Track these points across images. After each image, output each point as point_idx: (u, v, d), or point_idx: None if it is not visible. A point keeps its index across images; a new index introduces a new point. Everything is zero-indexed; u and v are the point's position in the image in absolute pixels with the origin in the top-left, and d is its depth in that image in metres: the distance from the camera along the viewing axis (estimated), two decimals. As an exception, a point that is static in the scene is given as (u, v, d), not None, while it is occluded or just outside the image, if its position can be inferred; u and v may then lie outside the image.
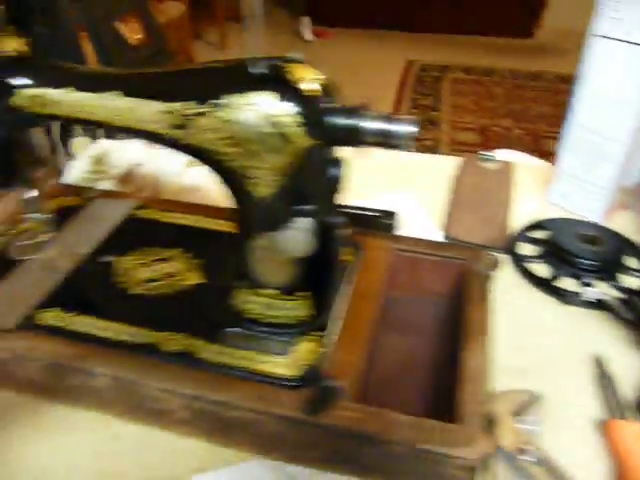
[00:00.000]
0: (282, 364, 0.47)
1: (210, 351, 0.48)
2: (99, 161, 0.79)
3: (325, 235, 0.44)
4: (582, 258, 0.66)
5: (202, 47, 3.99)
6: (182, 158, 0.80)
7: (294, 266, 0.46)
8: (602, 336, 0.59)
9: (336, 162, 0.43)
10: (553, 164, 0.81)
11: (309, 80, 0.40)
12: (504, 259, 0.69)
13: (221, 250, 0.60)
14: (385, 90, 3.44)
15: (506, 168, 0.83)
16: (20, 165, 0.53)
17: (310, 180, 0.42)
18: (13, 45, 0.47)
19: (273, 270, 0.47)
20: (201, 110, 0.40)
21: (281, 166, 0.41)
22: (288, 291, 0.48)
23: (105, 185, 0.78)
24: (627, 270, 0.66)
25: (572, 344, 0.58)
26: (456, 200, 0.79)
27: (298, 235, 0.40)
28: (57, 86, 0.45)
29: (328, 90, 0.42)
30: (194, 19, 3.78)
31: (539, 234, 0.73)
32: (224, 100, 0.39)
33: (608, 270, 0.66)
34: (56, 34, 2.32)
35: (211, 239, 0.62)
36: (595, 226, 0.71)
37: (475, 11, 4.17)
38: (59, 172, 0.60)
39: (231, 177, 0.42)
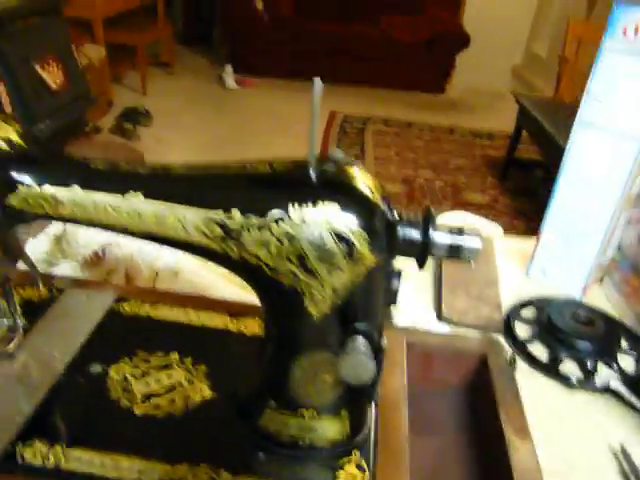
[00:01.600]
0: (328, 497, 0.41)
1: (242, 487, 0.41)
2: (60, 240, 0.69)
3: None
4: (581, 339, 0.66)
5: (122, 91, 3.85)
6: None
7: (338, 386, 0.42)
8: (616, 423, 0.59)
9: (396, 274, 0.39)
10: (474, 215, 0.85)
11: (372, 187, 0.37)
12: (500, 341, 0.68)
13: (225, 354, 0.54)
14: (311, 140, 3.49)
15: (487, 243, 0.84)
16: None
17: (369, 296, 0.38)
18: (3, 134, 0.39)
19: (315, 390, 0.41)
20: (256, 222, 0.35)
21: (343, 284, 0.36)
22: (327, 411, 0.43)
23: (68, 269, 0.69)
24: (621, 350, 0.68)
25: (589, 434, 0.58)
26: (445, 280, 0.77)
27: (361, 361, 0.36)
28: (61, 184, 0.38)
29: (387, 197, 0.38)
30: (114, 63, 3.65)
31: (529, 312, 0.73)
32: (285, 212, 0.35)
33: (606, 351, 0.66)
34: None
35: (210, 339, 0.55)
36: (584, 306, 0.73)
37: (393, 66, 4.41)
38: (33, 268, 0.51)
39: (283, 295, 0.37)
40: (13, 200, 0.38)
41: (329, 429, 0.43)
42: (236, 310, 0.59)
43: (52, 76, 2.37)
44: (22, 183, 0.38)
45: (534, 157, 3.45)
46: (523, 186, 3.16)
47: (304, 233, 0.35)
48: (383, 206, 0.37)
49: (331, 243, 0.35)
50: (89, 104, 2.80)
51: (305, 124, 3.71)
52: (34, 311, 0.55)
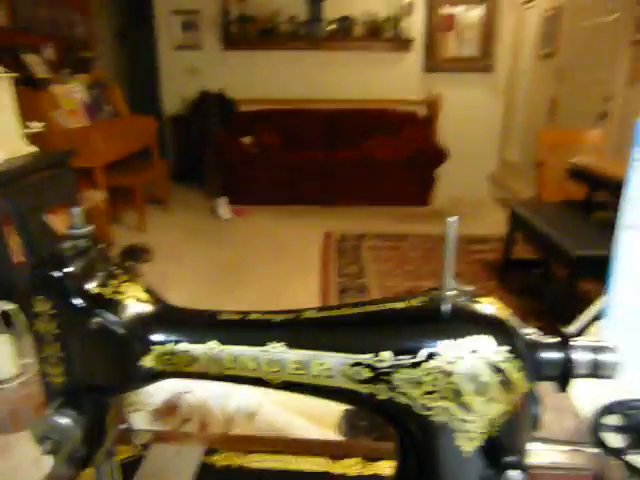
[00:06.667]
0: None
1: None
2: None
3: None
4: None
5: (122, 230, 3.95)
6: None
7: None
8: None
9: (537, 399, 0.39)
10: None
11: (507, 315, 0.38)
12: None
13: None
14: (310, 262, 3.55)
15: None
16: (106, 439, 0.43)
17: (519, 424, 0.37)
18: (134, 293, 0.40)
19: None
20: (407, 362, 0.35)
21: (498, 415, 0.36)
22: None
23: (137, 420, 0.66)
24: None
25: None
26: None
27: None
28: (197, 341, 0.38)
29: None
30: (113, 204, 3.79)
31: (613, 419, 0.71)
32: (435, 349, 0.35)
33: None
34: (-25, 227, 2.18)
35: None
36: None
37: (378, 184, 4.64)
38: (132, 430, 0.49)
39: (431, 432, 0.36)
40: (147, 361, 0.38)
41: None
42: (334, 451, 0.56)
43: (61, 224, 2.44)
44: (158, 343, 0.38)
45: (531, 257, 3.54)
46: (525, 285, 3.20)
47: (458, 368, 0.35)
48: (521, 332, 0.37)
49: (487, 375, 0.35)
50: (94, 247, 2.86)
51: (300, 246, 3.80)
52: (125, 471, 0.52)
